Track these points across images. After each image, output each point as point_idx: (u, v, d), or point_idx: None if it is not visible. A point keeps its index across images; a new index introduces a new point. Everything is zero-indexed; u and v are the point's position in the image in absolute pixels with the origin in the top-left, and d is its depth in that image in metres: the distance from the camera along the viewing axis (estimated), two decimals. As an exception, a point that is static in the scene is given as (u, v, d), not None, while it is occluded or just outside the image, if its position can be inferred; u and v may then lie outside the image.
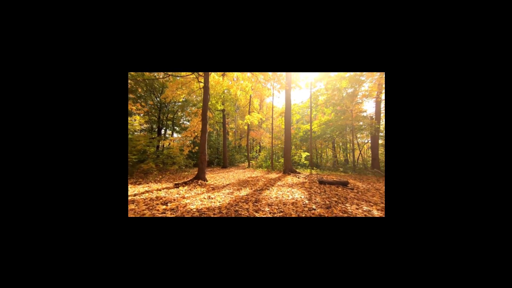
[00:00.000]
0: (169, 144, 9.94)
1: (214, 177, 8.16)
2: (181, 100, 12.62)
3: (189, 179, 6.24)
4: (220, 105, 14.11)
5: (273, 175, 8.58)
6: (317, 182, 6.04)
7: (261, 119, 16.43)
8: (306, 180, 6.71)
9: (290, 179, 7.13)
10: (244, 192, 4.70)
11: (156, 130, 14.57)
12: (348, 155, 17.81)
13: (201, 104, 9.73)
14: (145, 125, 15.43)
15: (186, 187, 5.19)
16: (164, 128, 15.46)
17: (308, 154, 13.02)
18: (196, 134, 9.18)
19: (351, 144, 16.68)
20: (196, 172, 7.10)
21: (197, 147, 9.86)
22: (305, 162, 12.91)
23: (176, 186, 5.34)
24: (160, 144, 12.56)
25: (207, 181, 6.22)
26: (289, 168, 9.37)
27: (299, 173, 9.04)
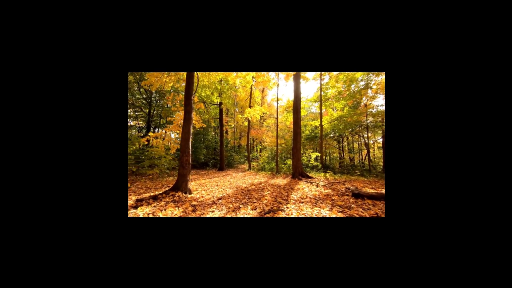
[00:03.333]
0: (147, 141, 8.02)
1: (204, 184, 6.29)
2: (169, 89, 10.77)
3: (164, 190, 4.39)
4: (216, 98, 12.30)
5: (280, 180, 6.77)
6: (349, 193, 4.22)
7: (263, 113, 14.59)
8: (329, 190, 4.88)
9: (306, 187, 5.29)
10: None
11: (146, 127, 12.71)
12: (356, 156, 16.06)
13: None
14: (133, 122, 13.62)
15: (152, 206, 3.33)
16: (158, 127, 13.60)
17: (318, 154, 11.24)
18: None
19: (358, 144, 15.05)
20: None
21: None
22: (315, 163, 11.11)
23: (137, 204, 3.46)
24: (150, 143, 10.64)
25: (190, 193, 4.34)
26: (299, 172, 7.59)
27: (312, 177, 7.21)
